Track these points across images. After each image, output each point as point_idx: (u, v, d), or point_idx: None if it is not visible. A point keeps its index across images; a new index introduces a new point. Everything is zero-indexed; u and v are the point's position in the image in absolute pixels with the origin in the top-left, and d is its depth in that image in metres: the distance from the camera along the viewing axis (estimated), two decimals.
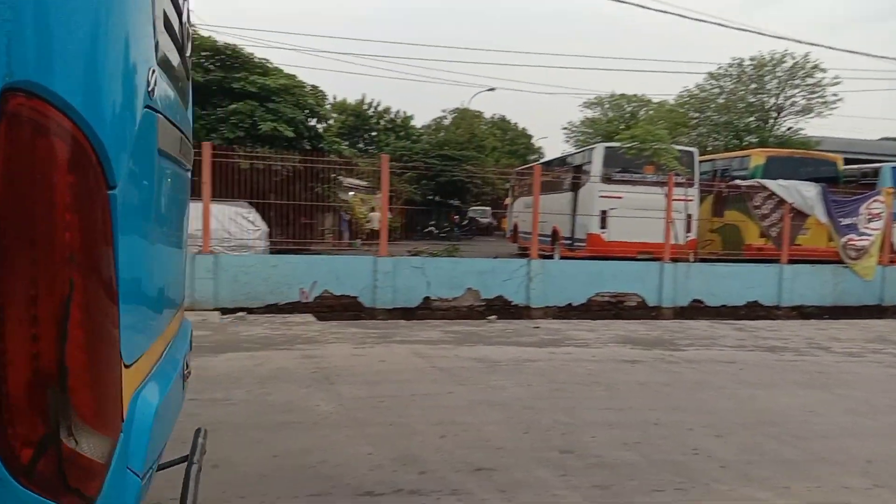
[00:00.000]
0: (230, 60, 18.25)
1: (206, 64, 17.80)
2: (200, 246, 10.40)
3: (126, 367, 1.80)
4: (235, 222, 13.57)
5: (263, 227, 14.04)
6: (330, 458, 4.46)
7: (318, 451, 4.59)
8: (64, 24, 1.48)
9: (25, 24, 1.41)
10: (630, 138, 14.08)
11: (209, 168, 10.35)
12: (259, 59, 18.89)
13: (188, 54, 2.96)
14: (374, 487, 4.01)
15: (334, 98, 43.28)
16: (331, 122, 20.20)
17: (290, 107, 17.66)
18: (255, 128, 16.85)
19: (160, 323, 2.35)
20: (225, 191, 12.62)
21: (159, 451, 2.28)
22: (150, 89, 1.86)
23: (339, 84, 77.64)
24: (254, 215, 14.20)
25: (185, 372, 2.81)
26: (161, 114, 2.05)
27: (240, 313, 9.82)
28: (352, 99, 46.97)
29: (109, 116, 1.57)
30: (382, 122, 47.74)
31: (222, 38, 18.80)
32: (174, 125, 2.35)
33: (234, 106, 17.03)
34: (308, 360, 7.29)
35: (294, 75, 19.27)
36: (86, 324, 1.55)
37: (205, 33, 18.14)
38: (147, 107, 1.85)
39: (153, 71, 1.90)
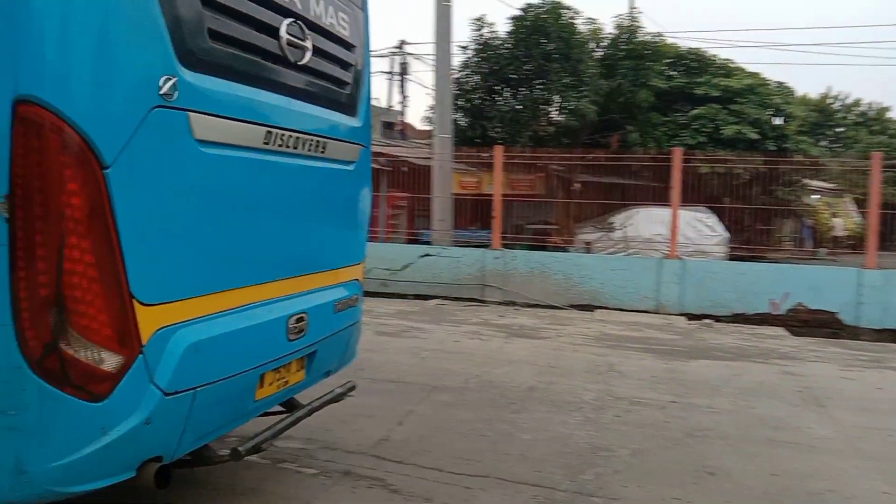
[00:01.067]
0: (693, 65, 18.20)
1: (669, 71, 18.07)
2: (667, 251, 10.66)
3: (144, 305, 2.42)
4: (694, 227, 13.52)
5: (724, 232, 13.69)
6: (839, 489, 4.13)
7: (821, 478, 4.30)
8: (60, 47, 2.19)
9: (28, 48, 2.15)
10: None
11: (679, 173, 10.52)
12: (721, 60, 18.42)
13: (324, 55, 3.43)
14: None
15: (795, 94, 39.71)
16: (795, 120, 18.54)
17: (754, 107, 16.81)
18: (718, 132, 16.49)
19: (222, 280, 2.83)
20: (683, 195, 12.70)
21: (215, 380, 2.75)
22: (162, 92, 2.43)
23: (800, 77, 70.72)
24: (713, 220, 13.96)
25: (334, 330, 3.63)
26: (195, 111, 2.58)
27: (706, 320, 9.75)
28: (813, 93, 42.44)
29: (95, 113, 2.25)
30: (850, 117, 42.05)
31: (686, 44, 18.77)
32: (246, 121, 2.87)
33: (696, 111, 16.94)
34: (789, 376, 6.87)
35: (758, 73, 18.29)
36: (79, 267, 2.24)
37: (669, 41, 18.39)
38: (159, 106, 2.43)
39: (168, 78, 2.45)
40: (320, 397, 3.74)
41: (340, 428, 4.70)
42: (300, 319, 3.28)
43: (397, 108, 24.58)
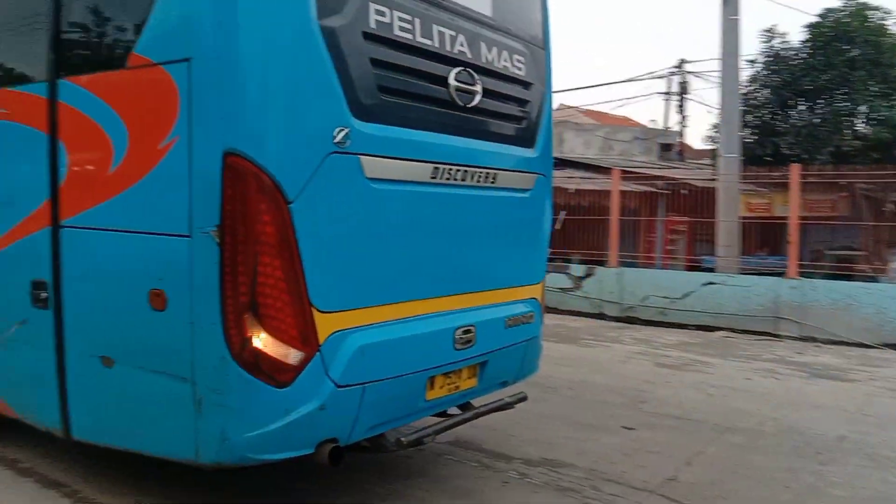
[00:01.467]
0: None
1: None
2: None
3: (321, 312, 2.94)
4: None
5: None
6: None
7: None
8: (258, 113, 2.84)
9: (235, 114, 2.81)
10: None
11: None
12: None
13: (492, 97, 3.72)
14: None
15: None
16: None
17: None
18: None
19: (389, 294, 3.27)
20: None
21: (383, 378, 3.18)
22: (336, 141, 2.94)
23: None
24: None
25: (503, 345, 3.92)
26: (365, 154, 3.06)
27: None
28: None
29: (282, 161, 2.85)
30: None
31: None
32: (414, 160, 3.30)
33: None
34: None
35: None
36: (269, 281, 2.82)
37: None
38: (334, 152, 2.94)
39: (342, 129, 2.95)
40: (489, 403, 4.02)
41: (624, 461, 4.60)
42: (467, 331, 3.65)
43: (675, 128, 23.62)
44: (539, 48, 4.26)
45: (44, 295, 3.41)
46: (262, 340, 2.83)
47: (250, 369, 2.82)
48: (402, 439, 3.41)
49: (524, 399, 4.22)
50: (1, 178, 3.68)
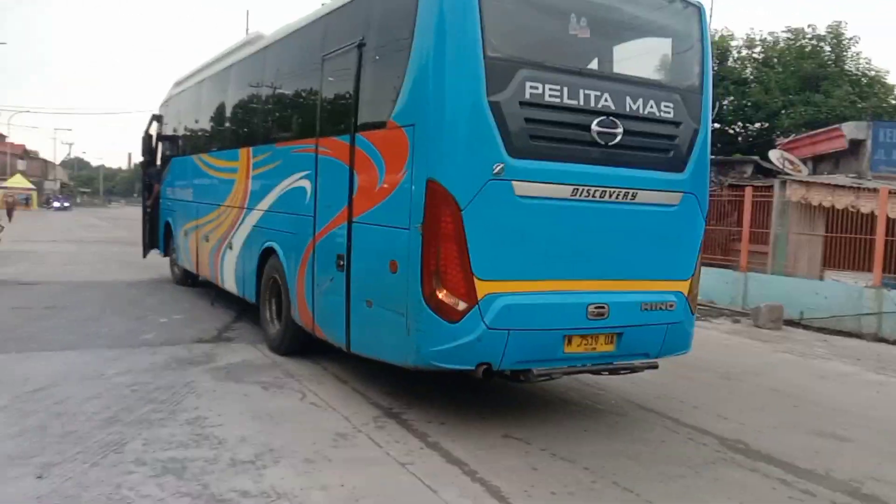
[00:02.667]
0: None
1: None
2: None
3: (480, 280, 4.67)
4: None
5: None
6: None
7: None
8: (447, 157, 4.69)
9: (434, 157, 4.73)
10: None
11: None
12: None
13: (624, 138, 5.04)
14: None
15: None
16: None
17: None
18: None
19: (531, 273, 4.88)
20: None
21: (523, 328, 4.83)
22: (495, 173, 4.65)
23: None
24: None
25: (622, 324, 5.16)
26: (516, 180, 4.74)
27: None
28: None
29: (458, 184, 4.65)
30: None
31: None
32: (556, 183, 4.86)
33: None
34: None
35: None
36: (446, 256, 4.63)
37: None
38: (494, 178, 4.66)
39: (499, 164, 4.66)
40: (619, 364, 5.35)
41: None
42: (599, 307, 5.06)
43: None
44: (695, 94, 5.44)
45: (342, 263, 5.70)
46: (442, 294, 4.67)
47: (434, 311, 4.68)
48: (534, 370, 4.97)
49: (655, 367, 5.46)
50: (326, 191, 6.10)
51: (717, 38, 25.99)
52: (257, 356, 7.09)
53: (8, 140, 71.32)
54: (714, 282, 13.28)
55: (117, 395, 5.56)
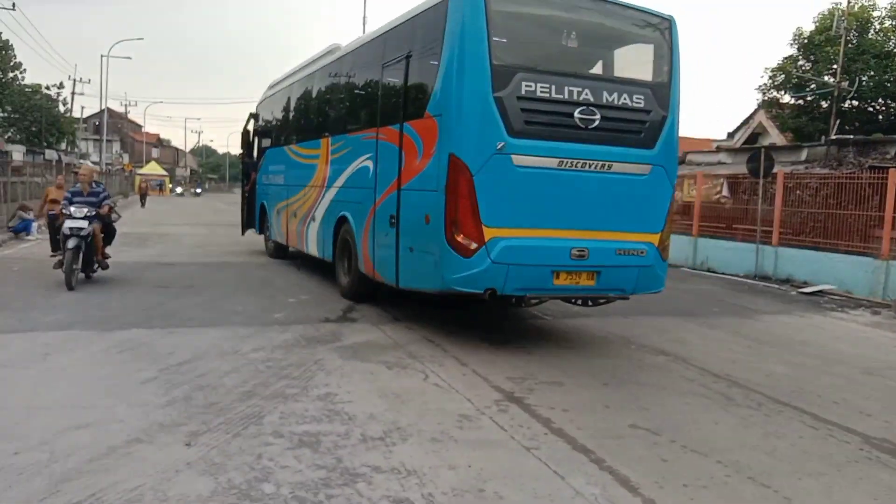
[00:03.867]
0: None
1: None
2: None
3: (487, 227, 6.45)
4: None
5: None
6: None
7: None
8: (463, 137, 6.54)
9: (453, 137, 6.60)
10: None
11: None
12: None
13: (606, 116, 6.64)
14: None
15: None
16: None
17: None
18: None
19: (526, 223, 6.53)
20: None
21: (519, 263, 6.51)
22: (498, 149, 6.39)
23: None
24: None
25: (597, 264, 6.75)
26: (514, 154, 6.43)
27: None
28: None
29: (470, 156, 6.45)
30: None
31: None
32: (545, 156, 6.50)
33: None
34: None
35: None
36: (461, 210, 6.45)
37: None
38: (497, 152, 6.40)
39: (501, 142, 6.38)
40: (596, 294, 7.08)
41: None
42: (581, 251, 6.63)
43: None
44: (664, 88, 7.00)
45: (394, 221, 7.57)
46: (459, 237, 6.42)
47: (454, 249, 6.46)
48: (527, 295, 6.73)
49: (625, 299, 7.16)
50: (383, 168, 8.00)
51: (856, 9, 23.75)
52: (381, 336, 7.39)
53: (144, 130, 77.01)
54: (851, 270, 12.74)
55: (253, 370, 5.86)
